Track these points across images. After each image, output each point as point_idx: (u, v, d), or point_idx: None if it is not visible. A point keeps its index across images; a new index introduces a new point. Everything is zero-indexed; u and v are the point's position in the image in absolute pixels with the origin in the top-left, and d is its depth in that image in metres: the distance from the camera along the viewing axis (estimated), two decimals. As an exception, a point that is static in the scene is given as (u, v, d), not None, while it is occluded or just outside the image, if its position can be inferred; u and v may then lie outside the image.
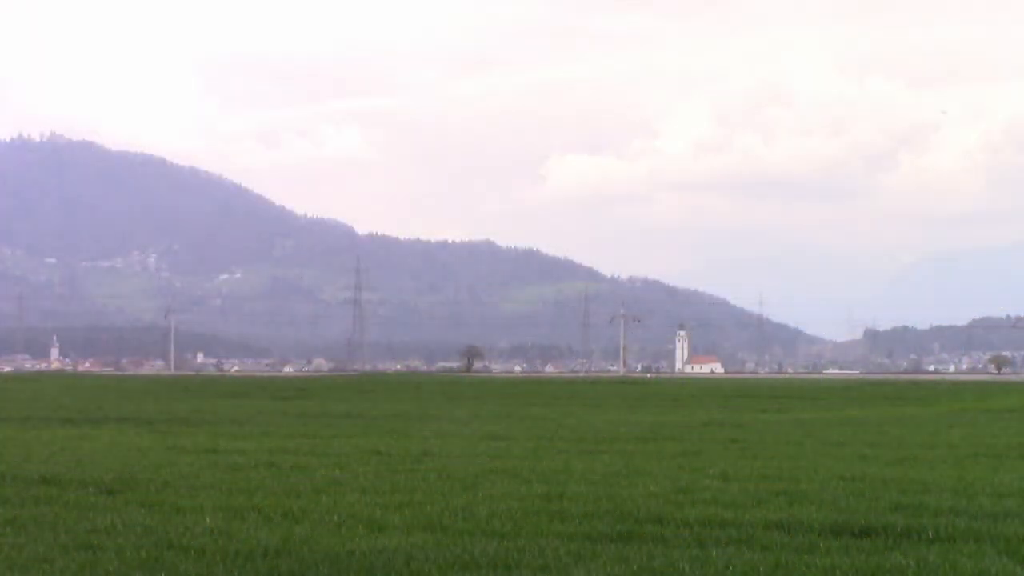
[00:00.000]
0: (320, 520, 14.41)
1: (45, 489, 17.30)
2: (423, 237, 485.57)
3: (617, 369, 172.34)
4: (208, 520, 14.31)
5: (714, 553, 12.27)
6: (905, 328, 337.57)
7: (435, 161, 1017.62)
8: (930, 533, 13.46)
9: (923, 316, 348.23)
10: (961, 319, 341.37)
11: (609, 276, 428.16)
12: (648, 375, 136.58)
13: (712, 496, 16.48)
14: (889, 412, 42.98)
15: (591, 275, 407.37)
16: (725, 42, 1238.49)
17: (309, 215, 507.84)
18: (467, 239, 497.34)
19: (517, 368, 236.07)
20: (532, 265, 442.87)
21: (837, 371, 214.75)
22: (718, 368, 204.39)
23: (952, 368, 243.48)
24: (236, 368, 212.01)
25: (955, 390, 65.75)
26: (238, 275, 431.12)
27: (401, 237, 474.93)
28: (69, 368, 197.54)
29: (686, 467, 20.50)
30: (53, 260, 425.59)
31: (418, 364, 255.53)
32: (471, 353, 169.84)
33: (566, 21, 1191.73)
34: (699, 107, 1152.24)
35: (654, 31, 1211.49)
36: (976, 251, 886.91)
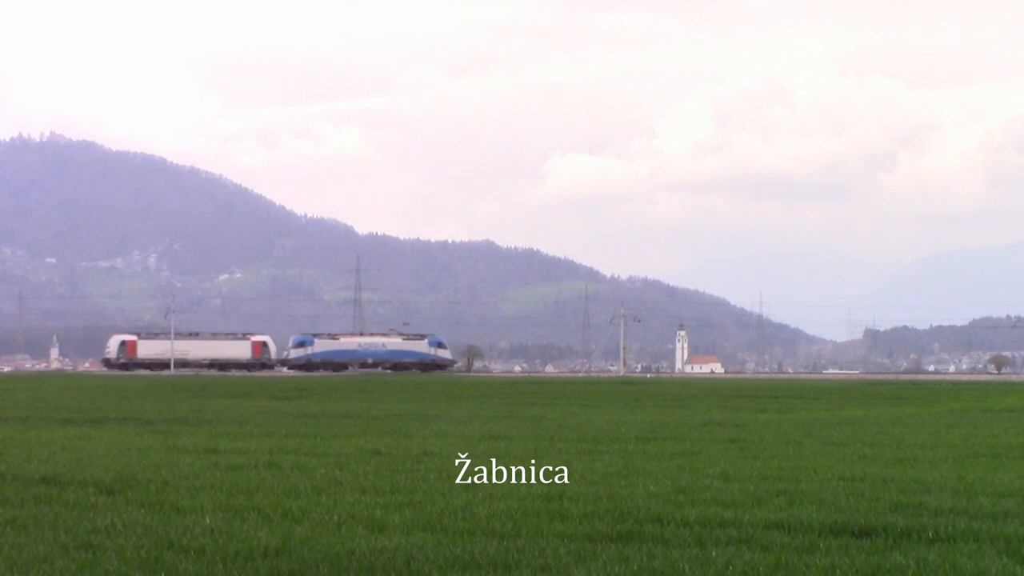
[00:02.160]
0: (320, 520, 14.41)
1: (45, 489, 17.31)
2: (423, 237, 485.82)
3: (617, 369, 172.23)
4: (208, 520, 14.32)
5: (714, 553, 12.28)
6: (905, 328, 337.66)
7: (435, 161, 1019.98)
8: (930, 533, 13.48)
9: (923, 316, 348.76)
10: (961, 319, 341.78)
11: (609, 276, 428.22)
12: (648, 375, 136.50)
13: (712, 496, 16.49)
14: (889, 412, 42.98)
15: (591, 275, 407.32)
16: (725, 42, 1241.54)
17: (309, 215, 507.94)
18: (467, 239, 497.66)
19: (517, 368, 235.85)
20: (532, 265, 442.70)
21: (837, 371, 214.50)
22: (718, 368, 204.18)
23: (952, 368, 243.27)
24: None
25: (955, 390, 65.71)
26: (238, 275, 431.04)
27: (401, 237, 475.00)
28: (69, 368, 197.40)
29: (686, 467, 20.51)
30: (53, 260, 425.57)
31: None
32: (471, 353, 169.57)
33: (566, 21, 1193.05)
34: (699, 107, 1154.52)
35: (654, 30, 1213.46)
36: (976, 251, 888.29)
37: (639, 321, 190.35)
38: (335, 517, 14.56)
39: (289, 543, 12.81)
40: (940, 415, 41.03)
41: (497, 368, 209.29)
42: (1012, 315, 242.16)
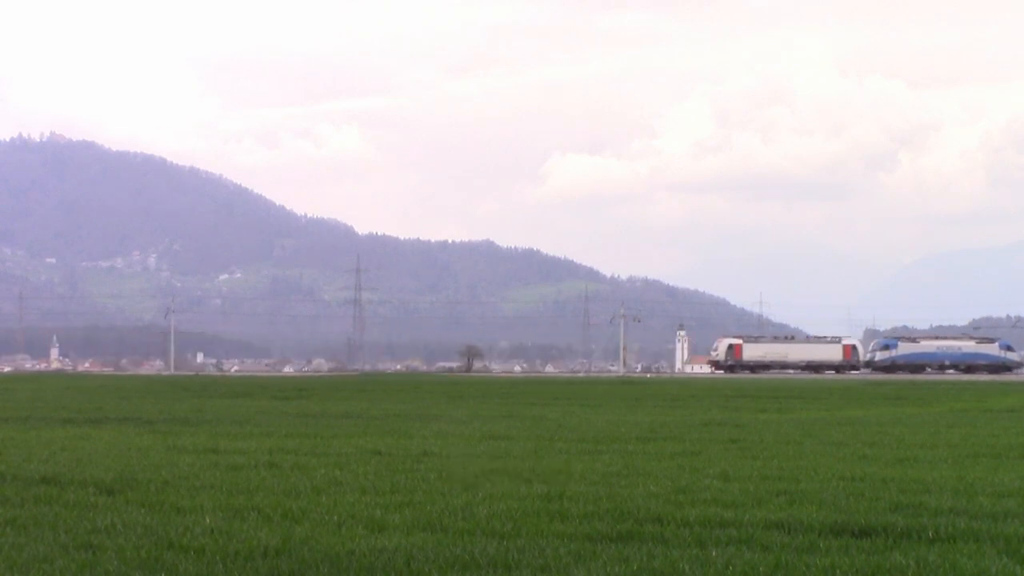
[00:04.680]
0: (320, 520, 14.42)
1: (45, 489, 17.31)
2: (423, 237, 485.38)
3: (617, 369, 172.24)
4: (208, 520, 14.33)
5: (714, 553, 12.29)
6: (905, 328, 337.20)
7: (435, 161, 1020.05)
8: (930, 533, 13.49)
9: (923, 316, 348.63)
10: (961, 319, 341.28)
11: (609, 276, 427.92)
12: (648, 375, 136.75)
13: (712, 496, 16.50)
14: (889, 412, 42.97)
15: (591, 275, 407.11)
16: (725, 42, 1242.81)
17: (309, 215, 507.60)
18: (467, 239, 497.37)
19: (517, 368, 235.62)
20: (532, 265, 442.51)
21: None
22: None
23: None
24: (236, 368, 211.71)
25: (955, 390, 65.70)
26: (238, 275, 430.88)
27: (401, 237, 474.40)
28: (69, 368, 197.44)
29: (686, 467, 20.51)
30: (53, 260, 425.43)
31: (418, 364, 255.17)
32: (471, 353, 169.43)
33: (566, 21, 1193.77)
34: (699, 107, 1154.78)
35: (654, 30, 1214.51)
36: (976, 251, 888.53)
37: (639, 321, 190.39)
38: (335, 517, 14.57)
39: (289, 543, 12.81)
40: (940, 415, 41.02)
41: (497, 368, 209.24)
42: (1012, 315, 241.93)
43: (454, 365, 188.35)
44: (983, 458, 22.90)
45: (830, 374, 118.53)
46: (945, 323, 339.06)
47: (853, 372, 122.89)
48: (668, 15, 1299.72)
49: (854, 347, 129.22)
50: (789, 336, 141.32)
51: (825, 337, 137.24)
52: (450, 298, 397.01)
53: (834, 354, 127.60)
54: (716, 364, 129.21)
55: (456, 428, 31.11)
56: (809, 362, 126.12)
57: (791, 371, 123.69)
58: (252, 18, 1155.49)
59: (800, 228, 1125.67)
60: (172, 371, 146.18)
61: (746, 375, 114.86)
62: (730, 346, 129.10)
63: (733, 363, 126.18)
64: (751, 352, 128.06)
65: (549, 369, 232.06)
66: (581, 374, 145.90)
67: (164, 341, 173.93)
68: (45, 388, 65.54)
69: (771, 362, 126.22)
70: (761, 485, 17.72)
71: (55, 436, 27.69)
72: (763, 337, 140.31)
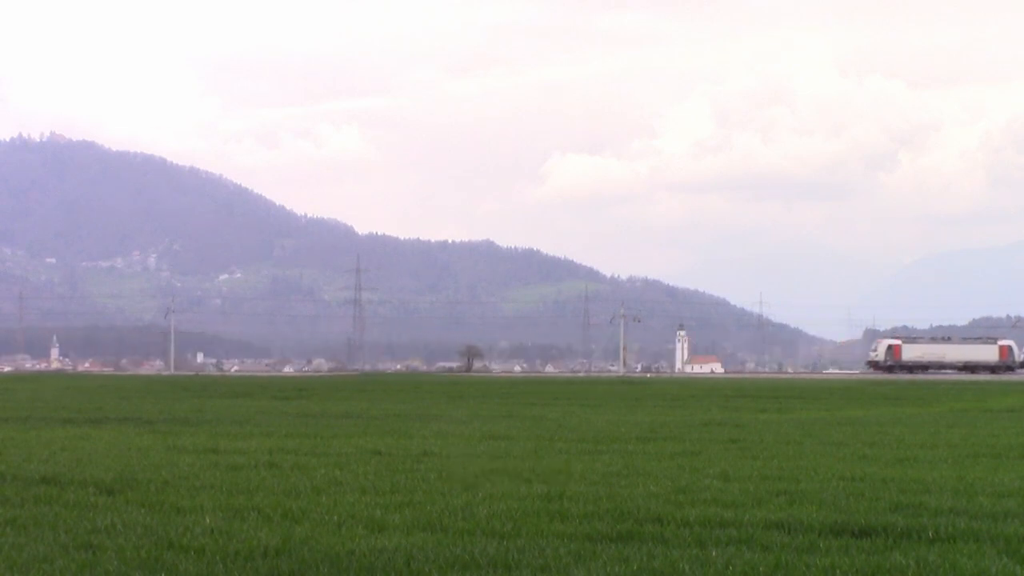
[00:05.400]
0: (320, 520, 14.43)
1: (45, 489, 17.32)
2: (423, 237, 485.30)
3: (617, 369, 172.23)
4: (208, 520, 14.34)
5: (714, 553, 12.29)
6: (905, 328, 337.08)
7: (435, 161, 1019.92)
8: (930, 533, 13.50)
9: (923, 316, 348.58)
10: (961, 319, 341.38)
11: (609, 276, 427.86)
12: (648, 375, 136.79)
13: (712, 496, 16.51)
14: (889, 412, 42.97)
15: (591, 275, 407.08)
16: (725, 42, 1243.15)
17: (309, 215, 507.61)
18: (467, 239, 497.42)
19: (517, 368, 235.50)
20: (532, 265, 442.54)
21: (837, 371, 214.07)
22: (718, 368, 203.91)
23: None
24: (236, 368, 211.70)
25: (955, 390, 65.71)
26: (238, 275, 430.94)
27: (401, 237, 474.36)
28: (69, 368, 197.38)
29: (686, 467, 20.52)
30: (53, 260, 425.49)
31: (418, 364, 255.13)
32: (471, 353, 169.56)
33: (566, 21, 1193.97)
34: (699, 107, 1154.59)
35: (654, 30, 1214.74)
36: (976, 251, 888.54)
37: (639, 321, 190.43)
38: (335, 517, 14.57)
39: (289, 543, 12.82)
40: (940, 415, 41.03)
41: (497, 368, 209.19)
42: (1012, 315, 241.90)
43: (454, 365, 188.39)
44: (983, 458, 22.91)
45: (985, 375, 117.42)
46: (945, 323, 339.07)
47: (1008, 373, 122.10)
48: (668, 15, 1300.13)
49: (1010, 348, 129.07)
50: (946, 337, 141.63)
51: (983, 337, 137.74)
52: (450, 298, 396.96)
53: (990, 355, 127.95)
54: (875, 364, 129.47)
55: (456, 428, 31.12)
56: (966, 363, 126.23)
57: (948, 372, 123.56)
58: (252, 18, 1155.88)
59: (800, 228, 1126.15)
60: (172, 371, 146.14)
61: (904, 375, 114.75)
62: (889, 347, 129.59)
63: (892, 363, 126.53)
64: (909, 353, 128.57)
65: (549, 369, 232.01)
66: (581, 374, 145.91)
67: (164, 341, 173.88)
68: (45, 388, 65.55)
69: (928, 363, 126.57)
70: (761, 485, 17.72)
71: (55, 436, 27.70)
72: (921, 338, 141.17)
